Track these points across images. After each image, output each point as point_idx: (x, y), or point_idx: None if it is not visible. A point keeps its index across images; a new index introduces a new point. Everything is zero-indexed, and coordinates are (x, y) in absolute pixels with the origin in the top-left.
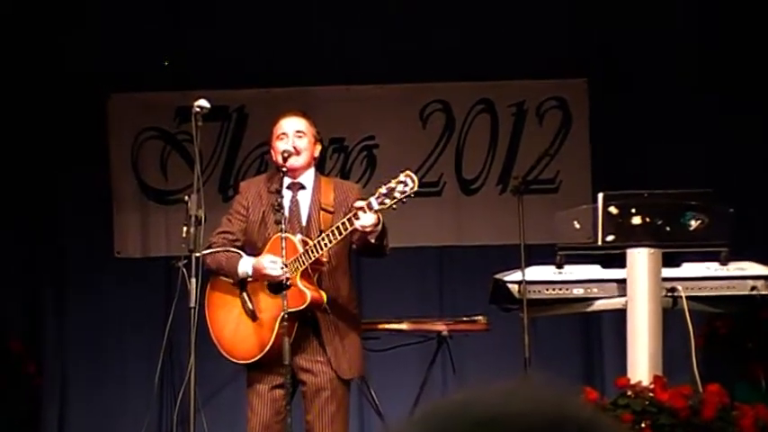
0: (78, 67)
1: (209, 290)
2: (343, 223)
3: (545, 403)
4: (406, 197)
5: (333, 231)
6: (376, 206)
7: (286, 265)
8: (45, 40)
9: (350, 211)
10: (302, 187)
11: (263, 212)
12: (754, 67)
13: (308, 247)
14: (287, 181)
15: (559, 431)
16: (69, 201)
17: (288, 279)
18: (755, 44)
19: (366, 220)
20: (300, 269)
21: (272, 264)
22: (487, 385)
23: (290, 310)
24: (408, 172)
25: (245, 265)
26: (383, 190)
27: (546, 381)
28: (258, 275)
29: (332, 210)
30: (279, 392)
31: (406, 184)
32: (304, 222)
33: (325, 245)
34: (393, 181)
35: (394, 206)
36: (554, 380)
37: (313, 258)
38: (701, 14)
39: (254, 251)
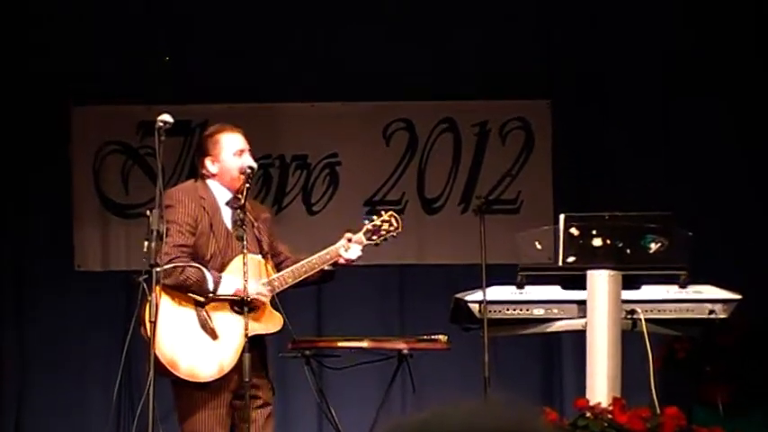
0: (41, 79)
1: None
2: (329, 252)
3: (508, 421)
4: (390, 236)
5: (316, 261)
6: (365, 241)
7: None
8: (7, 49)
9: (338, 244)
10: (238, 202)
11: (211, 223)
12: (718, 89)
13: (285, 274)
14: (228, 195)
15: None
16: (30, 213)
17: (250, 299)
18: (721, 68)
19: (354, 253)
20: (276, 291)
21: (260, 294)
22: (451, 403)
23: (264, 332)
24: (392, 213)
25: (227, 287)
26: (369, 227)
27: (508, 399)
28: (237, 294)
29: (261, 228)
30: (230, 409)
31: (391, 224)
32: (252, 238)
33: (305, 272)
34: (377, 219)
35: (377, 243)
36: (516, 399)
37: (290, 283)
38: (665, 36)
39: (201, 262)
